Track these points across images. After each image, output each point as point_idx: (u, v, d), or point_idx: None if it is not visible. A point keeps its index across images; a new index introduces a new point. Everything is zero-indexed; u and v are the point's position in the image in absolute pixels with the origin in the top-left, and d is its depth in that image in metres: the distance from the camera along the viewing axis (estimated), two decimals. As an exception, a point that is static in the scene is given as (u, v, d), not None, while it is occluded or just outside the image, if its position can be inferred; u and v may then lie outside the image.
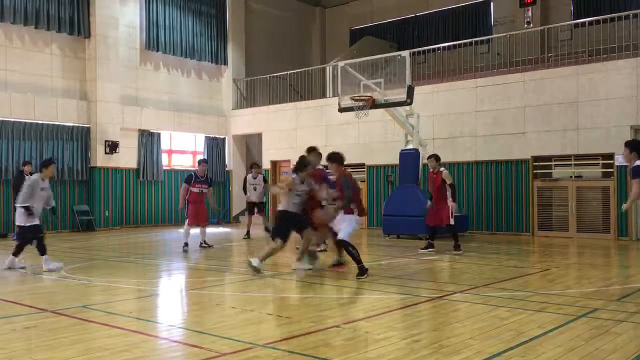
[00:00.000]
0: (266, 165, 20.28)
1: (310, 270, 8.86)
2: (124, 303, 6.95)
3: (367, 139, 17.82)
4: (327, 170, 9.20)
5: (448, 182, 11.04)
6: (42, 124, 16.70)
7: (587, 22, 15.89)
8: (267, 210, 16.09)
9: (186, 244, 11.76)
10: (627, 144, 7.20)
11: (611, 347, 4.72)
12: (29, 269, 9.38)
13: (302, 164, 8.84)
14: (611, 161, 14.00)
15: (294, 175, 8.84)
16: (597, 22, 15.37)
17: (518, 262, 10.32)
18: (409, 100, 13.51)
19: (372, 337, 5.10)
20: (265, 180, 15.17)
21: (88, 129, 17.73)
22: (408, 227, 13.99)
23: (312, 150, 9.47)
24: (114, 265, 10.22)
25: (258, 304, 6.67)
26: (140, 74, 19.30)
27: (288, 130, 19.93)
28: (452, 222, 10.97)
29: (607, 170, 14.19)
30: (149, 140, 19.23)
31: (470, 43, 17.44)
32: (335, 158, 8.58)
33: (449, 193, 11.02)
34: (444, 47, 18.39)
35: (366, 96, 13.81)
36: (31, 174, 15.48)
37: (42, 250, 9.22)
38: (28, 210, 9.09)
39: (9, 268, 9.22)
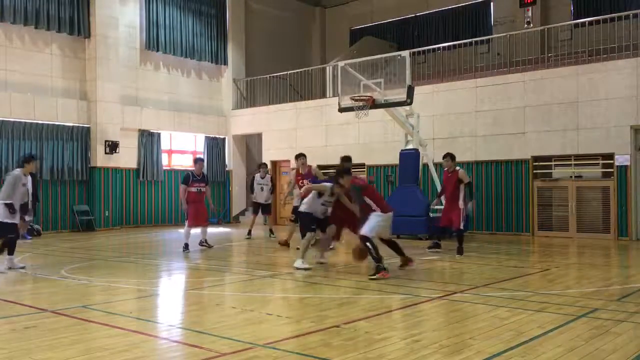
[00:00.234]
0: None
1: (309, 271, 8.86)
2: (124, 303, 6.95)
3: (367, 139, 17.82)
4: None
5: (465, 181, 10.72)
6: (42, 124, 16.70)
7: (587, 22, 15.88)
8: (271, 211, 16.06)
9: (186, 245, 11.71)
10: None
11: (611, 347, 4.72)
12: (29, 269, 9.38)
13: (342, 177, 8.77)
14: (611, 161, 13.99)
15: (329, 184, 9.15)
16: (597, 22, 15.36)
17: (518, 262, 10.32)
18: (409, 100, 13.50)
19: (372, 337, 5.10)
20: (272, 182, 15.22)
21: (88, 129, 17.74)
22: (408, 227, 13.97)
23: (347, 159, 10.70)
24: (114, 265, 10.22)
25: (258, 304, 6.67)
26: (140, 74, 19.30)
27: (288, 130, 19.92)
28: (462, 226, 10.70)
29: (607, 170, 14.18)
30: (149, 140, 19.23)
31: (470, 43, 17.44)
32: (346, 173, 8.85)
33: (461, 195, 10.67)
34: (444, 47, 18.39)
35: (366, 96, 13.80)
36: (31, 173, 15.52)
37: (11, 250, 9.23)
38: (11, 208, 9.06)
39: (9, 268, 9.22)
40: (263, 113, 20.84)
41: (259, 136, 21.21)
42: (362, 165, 18.06)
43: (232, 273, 9.49)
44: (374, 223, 8.28)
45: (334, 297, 7.16)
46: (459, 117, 16.18)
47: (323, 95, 20.34)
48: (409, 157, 14.49)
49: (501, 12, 20.62)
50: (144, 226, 18.90)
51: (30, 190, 15.08)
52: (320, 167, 14.72)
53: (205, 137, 20.97)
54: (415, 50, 17.61)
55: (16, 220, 9.23)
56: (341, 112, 14.80)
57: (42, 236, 15.67)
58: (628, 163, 13.69)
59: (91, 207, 17.68)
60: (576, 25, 16.98)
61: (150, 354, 4.80)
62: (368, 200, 8.41)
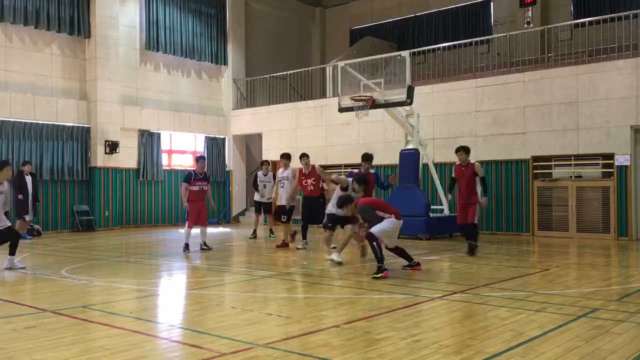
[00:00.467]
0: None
1: (340, 265, 9.27)
2: (124, 303, 6.95)
3: (367, 139, 17.82)
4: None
5: (480, 175, 10.58)
6: (42, 124, 16.71)
7: (587, 22, 15.88)
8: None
9: (187, 245, 11.66)
10: None
11: (611, 347, 4.72)
12: (29, 269, 9.38)
13: (365, 181, 9.69)
14: (611, 161, 14.00)
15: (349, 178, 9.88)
16: (597, 22, 15.37)
17: (518, 262, 10.32)
18: (409, 100, 13.50)
19: (372, 337, 5.10)
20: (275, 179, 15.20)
21: (88, 129, 17.74)
22: (408, 227, 13.96)
23: (368, 158, 10.92)
24: (114, 265, 10.22)
25: (258, 304, 6.67)
26: (140, 74, 19.30)
27: (288, 130, 19.93)
28: (475, 220, 10.58)
29: (607, 170, 14.18)
30: (149, 140, 19.23)
31: (470, 43, 17.44)
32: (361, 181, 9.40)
33: (479, 188, 10.52)
34: (443, 47, 18.39)
35: (366, 96, 13.80)
36: (31, 173, 15.56)
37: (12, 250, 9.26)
38: None
39: (9, 268, 9.22)
40: (263, 113, 20.84)
41: (259, 136, 21.21)
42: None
43: (232, 273, 9.49)
44: (384, 226, 8.34)
45: (334, 297, 7.16)
46: (459, 117, 16.19)
47: (323, 95, 20.35)
48: (409, 157, 14.50)
49: (501, 12, 20.61)
50: (144, 226, 18.90)
51: (31, 191, 15.23)
52: (320, 167, 14.67)
53: (205, 137, 20.97)
54: (415, 50, 17.61)
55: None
56: (341, 112, 14.80)
57: (42, 236, 15.68)
58: (628, 163, 13.69)
59: (91, 207, 17.68)
60: (576, 25, 16.98)
61: (150, 354, 4.80)
62: (380, 213, 8.44)
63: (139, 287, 8.00)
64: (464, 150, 10.83)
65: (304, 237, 11.98)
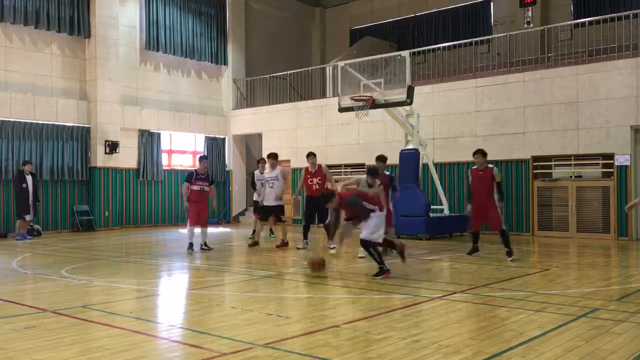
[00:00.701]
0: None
1: (363, 259, 9.55)
2: (124, 303, 6.95)
3: (367, 139, 17.82)
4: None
5: (497, 179, 10.08)
6: (42, 124, 16.70)
7: (587, 22, 15.88)
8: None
9: (191, 245, 11.55)
10: None
11: (611, 347, 4.72)
12: (29, 269, 9.38)
13: (375, 172, 9.65)
14: (611, 161, 14.00)
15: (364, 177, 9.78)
16: (597, 22, 15.37)
17: (518, 262, 10.31)
18: (409, 100, 13.50)
19: (372, 337, 5.10)
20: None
21: (88, 129, 17.74)
22: (408, 227, 13.99)
23: (382, 159, 10.81)
24: (114, 265, 10.22)
25: (258, 304, 6.67)
26: (140, 74, 19.30)
27: (288, 130, 19.93)
28: (504, 226, 10.18)
29: (607, 170, 14.19)
30: (149, 140, 19.23)
31: (470, 43, 17.44)
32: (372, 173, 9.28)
33: (496, 193, 10.06)
34: (443, 47, 18.40)
35: (366, 96, 13.80)
36: (31, 173, 15.56)
37: None
38: None
39: None
40: (263, 113, 20.84)
41: (259, 136, 21.21)
42: (362, 165, 18.06)
43: (232, 273, 9.49)
44: (373, 225, 8.26)
45: (334, 297, 7.16)
46: (459, 117, 16.19)
47: (323, 95, 20.35)
48: (409, 157, 14.50)
49: (501, 12, 20.62)
50: (144, 226, 18.90)
51: (31, 191, 15.22)
52: (327, 166, 14.68)
53: (205, 137, 20.97)
54: (415, 50, 17.62)
55: None
56: (341, 112, 14.81)
57: (42, 236, 15.68)
58: (628, 163, 13.69)
59: (91, 207, 17.68)
60: (576, 25, 16.98)
61: (150, 354, 4.80)
62: (366, 204, 8.35)
63: (139, 287, 8.00)
64: (481, 153, 10.31)
65: (305, 237, 11.97)
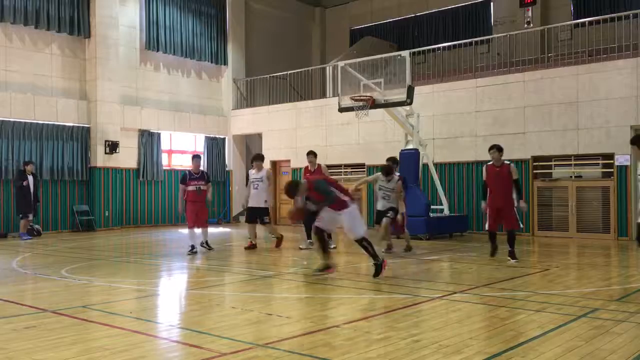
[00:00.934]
0: (266, 165, 20.25)
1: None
2: (124, 303, 6.95)
3: (367, 139, 17.83)
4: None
5: (515, 176, 9.70)
6: (42, 124, 16.71)
7: (587, 22, 15.88)
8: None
9: (192, 247, 11.40)
10: (637, 142, 7.16)
11: (611, 347, 4.72)
12: (29, 269, 9.38)
13: (391, 168, 11.06)
14: (611, 161, 14.00)
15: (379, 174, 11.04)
16: (597, 22, 15.38)
17: (518, 262, 10.30)
18: (409, 100, 13.50)
19: (372, 337, 5.10)
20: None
21: (88, 129, 17.74)
22: (408, 227, 13.95)
23: (393, 161, 11.74)
24: (114, 265, 10.22)
25: (258, 304, 6.66)
26: (140, 74, 19.31)
27: (288, 130, 19.93)
28: (521, 225, 9.95)
29: (607, 170, 14.18)
30: (149, 140, 19.23)
31: (470, 43, 17.44)
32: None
33: (515, 192, 9.71)
34: (443, 47, 18.40)
35: (366, 96, 13.81)
36: (32, 174, 15.57)
37: None
38: None
39: None
40: (263, 113, 20.84)
41: (259, 136, 21.21)
42: (362, 165, 18.08)
43: (232, 273, 9.49)
44: (356, 219, 8.10)
45: (334, 297, 7.16)
46: (459, 117, 16.18)
47: (323, 95, 20.35)
48: (409, 157, 14.49)
49: (501, 12, 20.62)
50: (144, 226, 18.90)
51: (32, 190, 15.23)
52: (326, 166, 14.68)
53: (205, 137, 20.97)
54: (415, 50, 17.62)
55: None
56: (341, 112, 14.81)
57: (42, 236, 15.68)
58: (628, 163, 13.69)
59: (91, 207, 17.68)
60: (576, 25, 16.98)
61: (150, 354, 4.80)
62: (338, 193, 8.10)
63: (139, 287, 8.00)
64: (497, 148, 9.85)
65: (309, 237, 11.89)
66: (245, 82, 21.90)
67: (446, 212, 15.22)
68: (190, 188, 11.55)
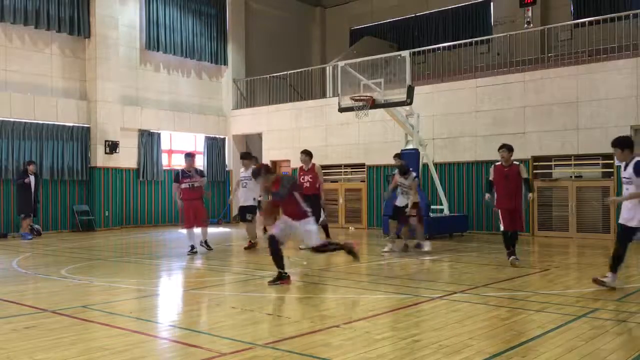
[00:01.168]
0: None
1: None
2: (124, 303, 6.95)
3: (367, 139, 17.82)
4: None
5: (524, 176, 9.54)
6: (42, 124, 16.70)
7: (587, 22, 15.88)
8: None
9: (192, 247, 11.32)
10: (618, 144, 7.15)
11: (611, 347, 4.72)
12: (29, 269, 9.38)
13: (407, 167, 11.57)
14: (611, 161, 13.97)
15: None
16: (597, 22, 15.37)
17: (518, 260, 10.29)
18: (409, 100, 13.50)
19: (372, 337, 5.10)
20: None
21: (88, 129, 17.74)
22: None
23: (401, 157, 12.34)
24: (114, 265, 10.22)
25: (258, 304, 6.66)
26: (140, 74, 19.30)
27: (288, 130, 19.93)
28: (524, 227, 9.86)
29: (607, 170, 14.18)
30: (149, 140, 19.23)
31: (470, 43, 17.44)
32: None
33: (525, 190, 9.61)
34: (443, 47, 18.39)
35: (366, 96, 13.80)
36: (34, 173, 15.56)
37: None
38: None
39: None
40: (263, 113, 20.84)
41: (259, 136, 21.21)
42: (362, 165, 18.08)
43: (232, 273, 9.49)
44: (314, 231, 7.78)
45: (334, 297, 7.16)
46: (459, 117, 16.18)
47: (323, 95, 20.35)
48: (409, 157, 14.47)
49: (501, 12, 20.63)
50: (144, 226, 18.90)
51: (32, 190, 15.23)
52: (320, 166, 14.66)
53: (205, 137, 20.97)
54: (415, 50, 17.61)
55: None
56: (341, 112, 14.80)
57: (42, 236, 15.67)
58: (628, 163, 13.66)
59: (91, 207, 17.68)
60: (576, 25, 16.99)
61: (150, 354, 4.80)
62: (301, 203, 7.68)
63: (139, 287, 8.00)
64: (507, 148, 9.59)
65: None
66: (245, 82, 21.90)
67: (446, 212, 15.22)
68: (183, 185, 11.42)
